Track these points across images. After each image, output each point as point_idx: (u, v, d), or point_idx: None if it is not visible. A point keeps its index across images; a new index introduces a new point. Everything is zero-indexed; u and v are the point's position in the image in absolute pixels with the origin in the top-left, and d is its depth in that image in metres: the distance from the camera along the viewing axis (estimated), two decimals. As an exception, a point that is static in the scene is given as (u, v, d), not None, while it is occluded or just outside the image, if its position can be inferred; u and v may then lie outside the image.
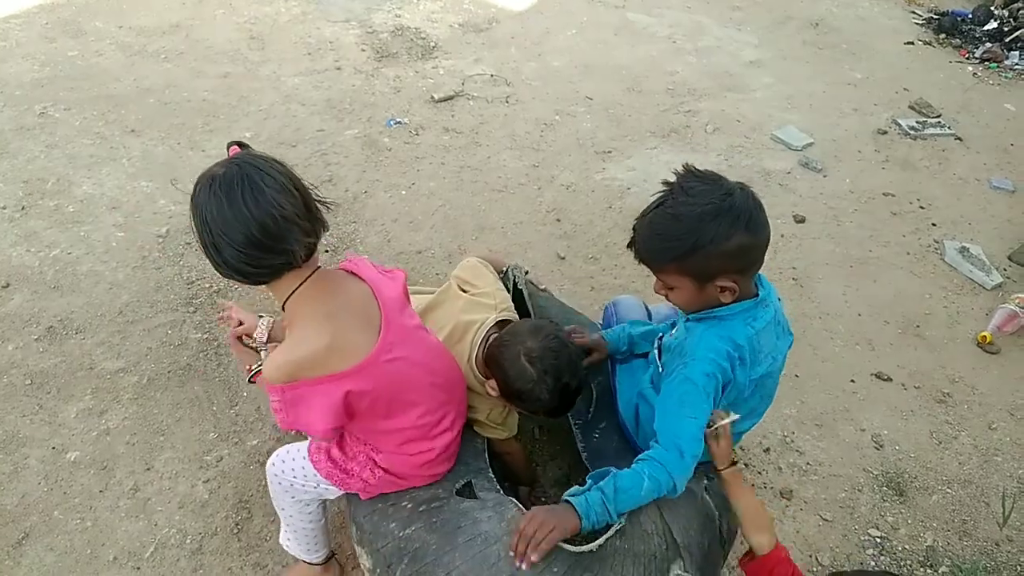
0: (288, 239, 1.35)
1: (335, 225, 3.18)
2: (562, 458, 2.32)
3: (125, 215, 3.17)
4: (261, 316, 1.81)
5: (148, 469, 2.25)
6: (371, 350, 1.48)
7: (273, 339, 1.87)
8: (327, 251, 3.08)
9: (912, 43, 5.42)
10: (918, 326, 3.02)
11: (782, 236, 3.43)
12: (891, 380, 2.77)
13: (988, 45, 5.33)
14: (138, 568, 2.01)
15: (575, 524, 1.44)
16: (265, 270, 1.39)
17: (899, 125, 4.33)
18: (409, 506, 1.69)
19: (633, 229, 1.54)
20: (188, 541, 2.08)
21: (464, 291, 2.08)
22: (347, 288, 1.53)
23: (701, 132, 4.14)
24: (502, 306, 2.00)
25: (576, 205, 3.52)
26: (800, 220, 3.54)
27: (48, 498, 2.15)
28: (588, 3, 5.51)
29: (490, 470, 1.82)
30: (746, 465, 2.40)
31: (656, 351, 1.77)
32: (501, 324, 1.94)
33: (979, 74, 5.05)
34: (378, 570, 1.64)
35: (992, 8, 5.73)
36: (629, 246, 1.55)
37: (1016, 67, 5.12)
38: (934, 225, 3.59)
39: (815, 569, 2.15)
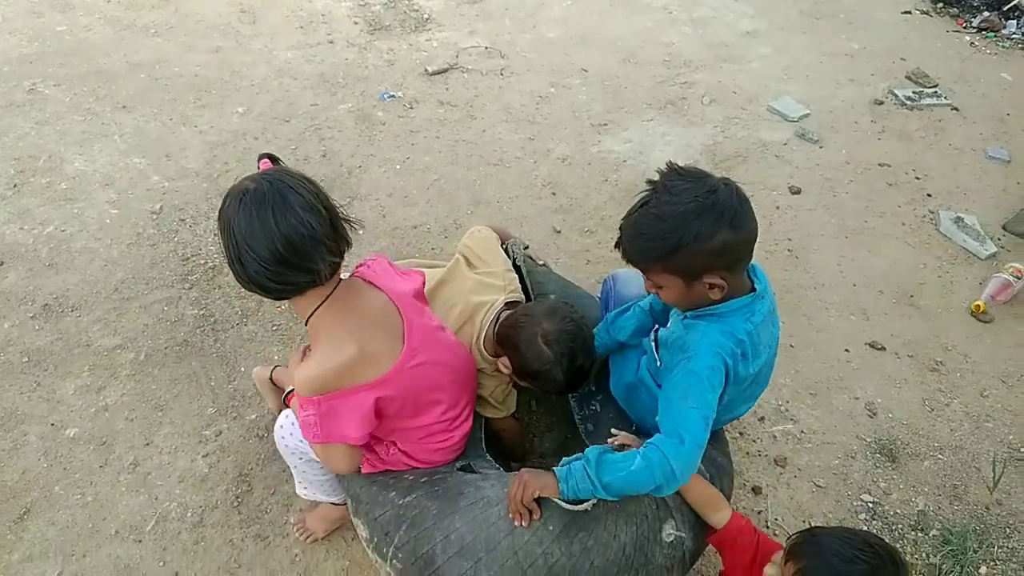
0: (314, 258, 1.37)
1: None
2: (559, 429, 2.34)
3: (118, 192, 3.15)
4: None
5: (147, 444, 2.26)
6: (398, 358, 1.52)
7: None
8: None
9: (909, 12, 5.37)
10: (912, 296, 3.03)
11: (778, 208, 3.43)
12: (885, 349, 2.78)
13: (985, 14, 5.28)
14: (140, 541, 2.03)
15: (555, 489, 1.48)
16: (289, 287, 1.41)
17: (895, 95, 4.31)
18: (410, 478, 1.73)
19: (620, 229, 1.54)
20: (189, 514, 2.10)
21: (472, 265, 2.10)
22: (368, 299, 1.56)
23: (697, 104, 4.11)
24: (510, 287, 2.02)
25: (572, 178, 3.51)
26: (796, 191, 3.54)
27: (48, 474, 2.17)
28: (582, -27, 5.44)
29: (488, 455, 1.87)
30: (740, 434, 2.43)
31: (652, 343, 1.77)
32: (509, 305, 1.96)
33: (976, 43, 5.01)
34: (375, 539, 1.66)
35: (990, -24, 5.67)
36: (616, 246, 1.55)
37: (1013, 36, 5.08)
38: (929, 196, 3.59)
39: (809, 535, 2.18)
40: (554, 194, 3.40)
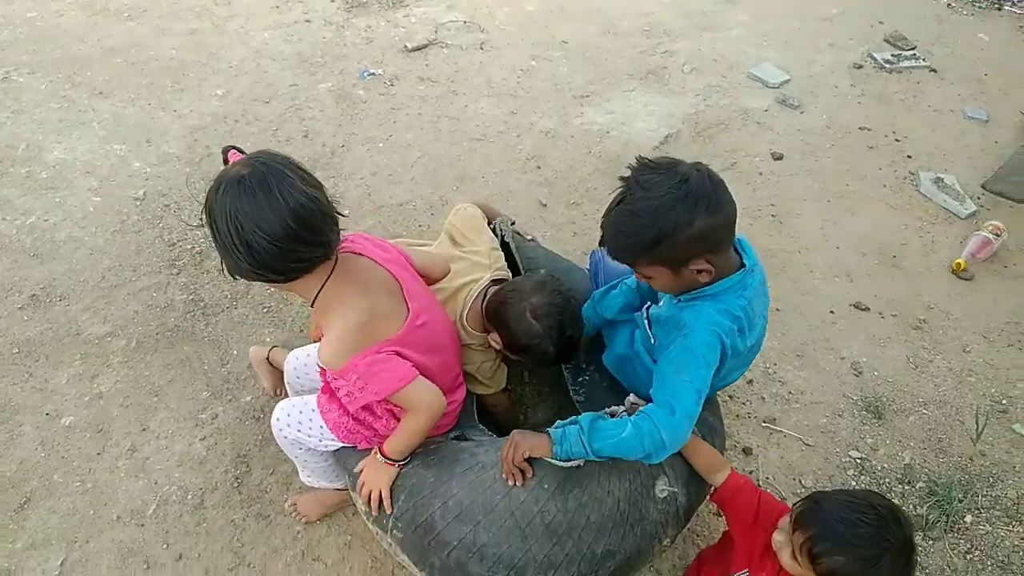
0: (323, 230, 1.38)
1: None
2: (552, 399, 2.37)
3: (100, 179, 3.13)
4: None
5: (144, 430, 2.27)
6: (406, 318, 1.55)
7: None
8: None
9: (886, -26, 5.37)
10: (894, 256, 3.08)
11: (760, 174, 3.46)
12: (869, 309, 2.83)
13: (961, -26, 5.30)
14: (142, 525, 2.05)
15: (549, 449, 1.52)
16: (303, 264, 1.40)
17: (874, 59, 4.33)
18: (405, 452, 1.74)
19: (601, 227, 1.55)
20: (189, 497, 2.12)
21: (457, 243, 2.11)
22: (364, 269, 1.58)
23: (678, 73, 4.12)
24: (496, 265, 2.03)
25: (556, 151, 3.51)
26: (778, 157, 3.56)
27: (46, 463, 2.18)
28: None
29: (480, 425, 1.91)
30: (730, 397, 2.47)
31: (645, 320, 1.80)
32: (496, 283, 1.98)
33: (953, 4, 5.03)
34: (374, 512, 1.68)
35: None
36: (600, 245, 1.57)
37: (989, -5, 5.11)
38: (909, 157, 3.62)
39: (799, 491, 2.23)
40: (539, 167, 3.41)
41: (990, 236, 3.02)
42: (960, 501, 2.20)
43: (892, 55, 4.34)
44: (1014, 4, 4.99)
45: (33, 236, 2.84)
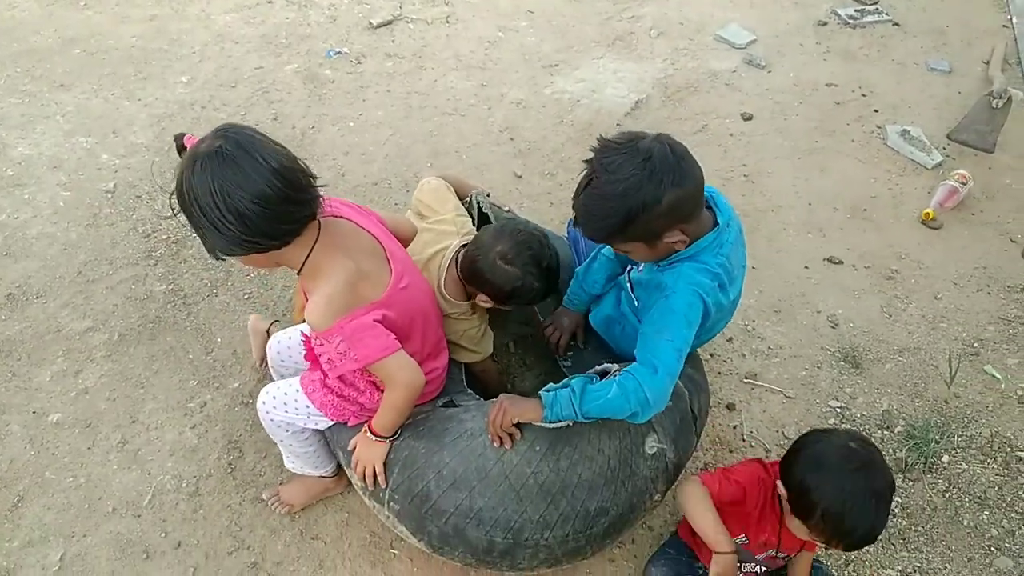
0: (307, 186, 1.39)
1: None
2: (538, 367, 2.41)
3: (68, 173, 3.08)
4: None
5: (133, 422, 2.28)
6: (390, 279, 1.56)
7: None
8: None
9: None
10: (865, 210, 3.14)
11: (731, 135, 3.49)
12: (842, 263, 2.89)
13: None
14: (139, 516, 2.06)
15: (538, 414, 1.56)
16: (294, 225, 1.40)
17: (838, 15, 4.36)
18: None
19: (573, 209, 1.57)
20: (184, 485, 2.13)
21: (424, 216, 2.11)
22: (349, 232, 1.58)
23: (645, 38, 4.12)
24: (463, 230, 2.04)
25: (528, 122, 3.51)
26: (748, 118, 3.59)
27: (37, 460, 2.17)
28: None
29: (468, 389, 1.93)
30: (711, 356, 2.52)
31: (628, 284, 1.83)
32: (465, 247, 1.99)
33: (913, -44, 5.06)
34: (370, 487, 1.71)
35: None
36: (575, 225, 1.59)
37: (948, -54, 5.14)
38: (876, 111, 3.67)
39: (782, 443, 2.29)
40: (512, 139, 3.41)
41: (956, 185, 3.09)
42: (937, 442, 2.27)
43: (856, 11, 4.37)
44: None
45: (4, 235, 2.80)
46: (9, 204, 2.92)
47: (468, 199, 2.24)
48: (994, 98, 3.53)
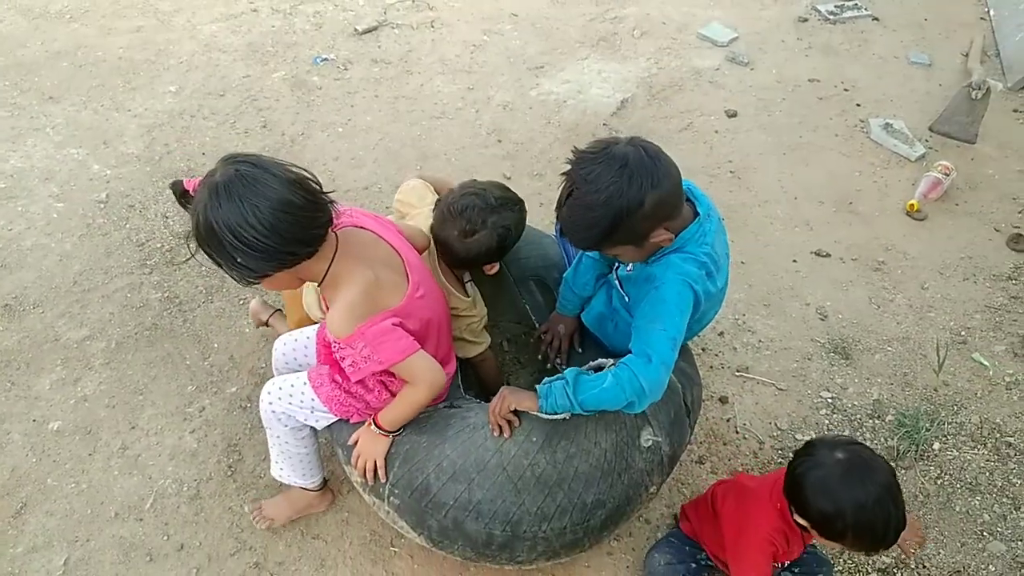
0: (320, 191, 1.46)
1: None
2: (532, 365, 2.43)
3: (60, 185, 3.09)
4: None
5: (133, 428, 2.29)
6: (407, 288, 1.61)
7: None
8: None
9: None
10: (851, 203, 3.19)
11: (716, 132, 3.54)
12: (830, 256, 2.94)
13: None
14: (141, 520, 2.08)
15: (536, 403, 1.60)
16: (321, 229, 1.46)
17: (818, 11, 4.42)
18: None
19: (557, 219, 1.60)
20: (185, 489, 2.15)
21: (404, 215, 2.14)
22: (367, 242, 1.63)
23: (629, 38, 4.16)
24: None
25: (515, 124, 3.55)
26: (732, 115, 3.64)
27: (39, 468, 2.19)
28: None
29: (466, 395, 1.96)
30: (703, 350, 2.56)
31: (616, 282, 1.86)
32: None
33: (891, -48, 5.13)
34: (370, 482, 1.74)
35: None
36: (561, 234, 1.62)
37: (925, -59, 5.21)
38: (858, 105, 3.73)
39: (775, 434, 2.33)
40: (499, 141, 3.45)
41: (940, 176, 3.14)
42: (927, 430, 2.32)
43: (835, 6, 4.44)
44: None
45: (-2, 247, 2.82)
46: (3, 216, 2.93)
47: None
48: (973, 89, 3.59)
